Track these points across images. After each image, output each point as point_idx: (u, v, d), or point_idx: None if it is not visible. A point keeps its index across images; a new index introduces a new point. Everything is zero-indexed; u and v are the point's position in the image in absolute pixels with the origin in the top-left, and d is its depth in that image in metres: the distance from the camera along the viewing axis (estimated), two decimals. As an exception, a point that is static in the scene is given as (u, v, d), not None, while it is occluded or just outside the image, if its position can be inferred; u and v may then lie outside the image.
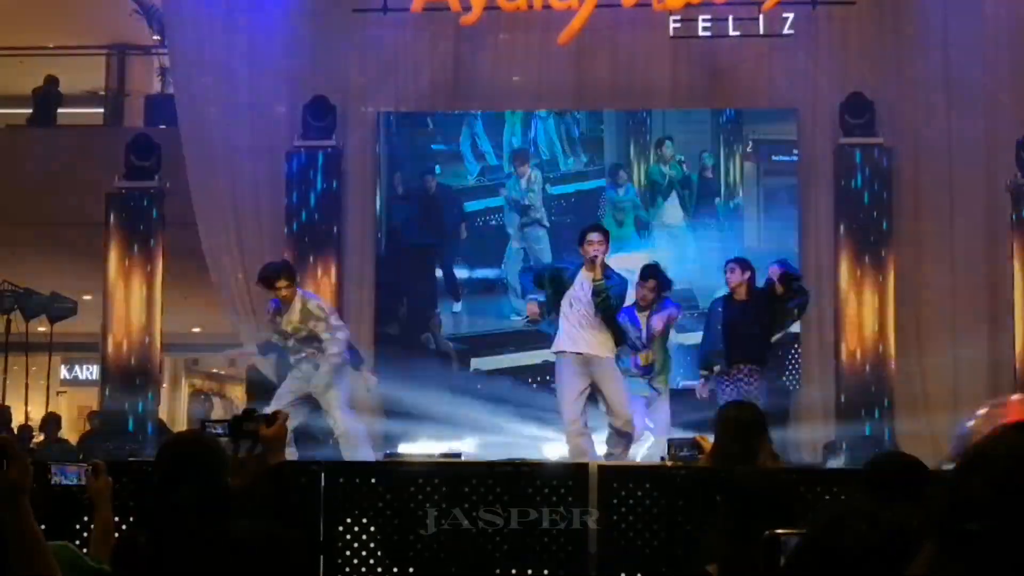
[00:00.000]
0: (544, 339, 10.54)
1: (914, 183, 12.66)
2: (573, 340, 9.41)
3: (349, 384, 10.04)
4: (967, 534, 0.89)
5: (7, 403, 13.22)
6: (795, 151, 12.82)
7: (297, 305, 9.75)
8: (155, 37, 15.53)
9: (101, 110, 16.78)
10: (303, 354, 9.82)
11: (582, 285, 9.41)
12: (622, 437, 9.40)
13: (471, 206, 13.04)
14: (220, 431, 4.01)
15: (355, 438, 9.78)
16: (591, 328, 9.38)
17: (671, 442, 7.85)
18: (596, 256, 9.29)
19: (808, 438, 12.05)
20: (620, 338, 9.59)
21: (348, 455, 9.62)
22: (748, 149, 12.89)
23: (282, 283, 9.71)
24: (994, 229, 12.39)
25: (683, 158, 12.87)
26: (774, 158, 12.96)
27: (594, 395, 9.47)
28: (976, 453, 0.96)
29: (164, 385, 17.74)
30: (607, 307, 9.32)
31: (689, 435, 7.77)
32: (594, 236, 9.41)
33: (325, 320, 9.75)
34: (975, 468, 0.93)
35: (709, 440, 6.77)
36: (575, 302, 9.41)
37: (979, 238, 12.41)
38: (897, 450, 5.28)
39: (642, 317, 10.20)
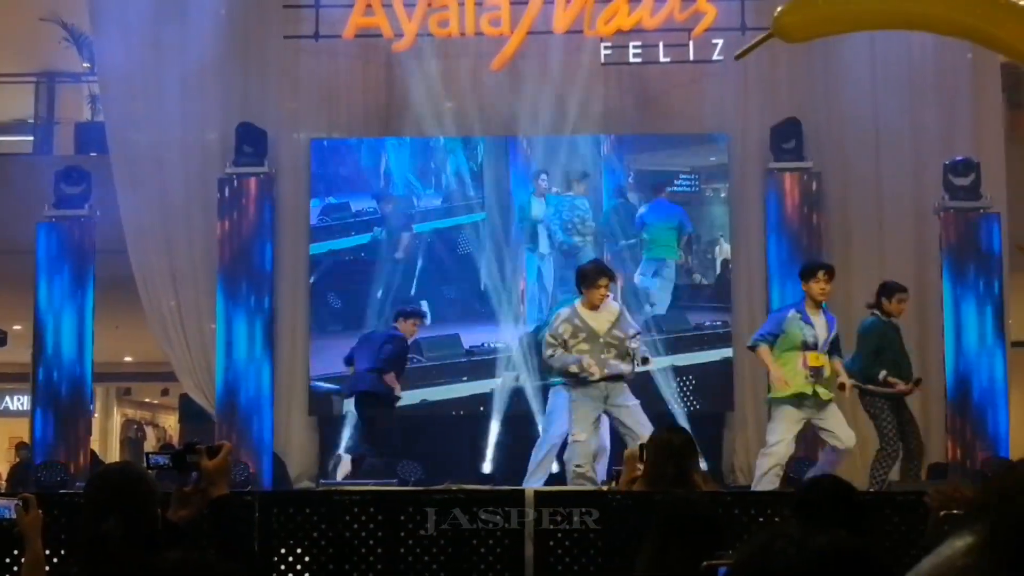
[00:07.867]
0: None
1: (843, 207, 12.79)
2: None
3: None
4: None
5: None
6: (675, 182, 12.88)
7: (615, 307, 9.37)
8: (85, 64, 15.38)
9: (31, 138, 16.59)
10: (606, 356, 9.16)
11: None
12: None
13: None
14: (163, 463, 3.93)
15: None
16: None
17: (614, 470, 7.87)
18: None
19: (743, 462, 12.13)
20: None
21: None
22: (630, 179, 12.93)
23: (604, 281, 9.24)
24: (923, 251, 12.54)
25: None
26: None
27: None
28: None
29: (96, 415, 17.56)
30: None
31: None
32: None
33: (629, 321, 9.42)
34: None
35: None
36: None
37: (908, 261, 12.51)
38: (828, 475, 5.30)
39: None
